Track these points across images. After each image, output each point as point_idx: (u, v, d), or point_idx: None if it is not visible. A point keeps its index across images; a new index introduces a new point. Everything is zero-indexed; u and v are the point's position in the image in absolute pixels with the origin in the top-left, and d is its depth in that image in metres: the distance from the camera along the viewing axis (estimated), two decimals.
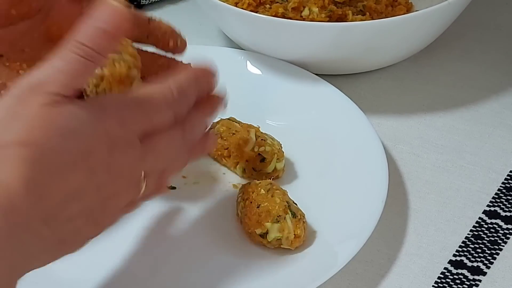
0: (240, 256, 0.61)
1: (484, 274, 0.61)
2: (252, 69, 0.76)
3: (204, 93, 0.55)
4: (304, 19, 0.75)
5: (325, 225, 0.63)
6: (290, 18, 0.75)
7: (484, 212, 0.66)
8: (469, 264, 0.62)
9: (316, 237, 0.62)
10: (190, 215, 0.65)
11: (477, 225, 0.65)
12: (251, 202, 0.61)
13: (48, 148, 0.44)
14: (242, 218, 0.62)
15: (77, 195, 0.46)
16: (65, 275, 0.60)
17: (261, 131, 0.68)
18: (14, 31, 0.54)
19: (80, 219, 0.47)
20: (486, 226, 0.65)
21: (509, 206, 0.66)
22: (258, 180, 0.63)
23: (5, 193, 0.42)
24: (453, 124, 0.74)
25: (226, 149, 0.67)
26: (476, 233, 0.64)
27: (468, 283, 0.60)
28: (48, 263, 0.47)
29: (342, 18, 0.77)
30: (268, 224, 0.60)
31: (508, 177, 0.69)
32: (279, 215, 0.60)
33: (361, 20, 0.76)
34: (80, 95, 0.48)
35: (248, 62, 0.77)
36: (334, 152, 0.68)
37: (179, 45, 0.59)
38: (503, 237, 0.64)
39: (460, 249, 0.63)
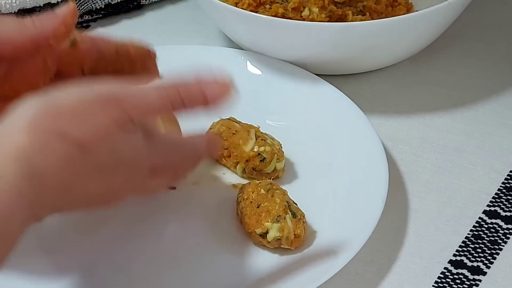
0: (240, 256, 0.61)
1: (484, 274, 0.61)
2: (252, 69, 0.76)
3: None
4: (304, 19, 0.75)
5: (325, 225, 0.62)
6: (290, 18, 0.75)
7: (484, 212, 0.66)
8: (469, 264, 0.62)
9: (316, 237, 0.62)
10: (190, 215, 0.65)
11: (477, 225, 0.65)
12: (251, 202, 0.61)
13: (96, 154, 0.47)
14: (242, 218, 0.62)
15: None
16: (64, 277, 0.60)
17: (261, 131, 0.68)
18: None
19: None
20: (486, 226, 0.65)
21: (509, 206, 0.66)
22: (258, 180, 0.63)
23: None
24: (453, 124, 0.74)
25: (226, 149, 0.67)
26: (476, 233, 0.64)
27: (468, 283, 0.60)
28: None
29: (342, 18, 0.77)
30: (268, 224, 0.60)
31: (508, 177, 0.69)
32: (279, 215, 0.60)
33: (361, 20, 0.76)
34: None
35: (248, 62, 0.77)
36: (334, 152, 0.68)
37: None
38: (503, 237, 0.64)
39: (460, 249, 0.63)
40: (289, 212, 0.60)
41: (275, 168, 0.66)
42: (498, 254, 0.62)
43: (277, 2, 0.78)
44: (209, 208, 0.65)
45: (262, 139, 0.67)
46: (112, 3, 0.87)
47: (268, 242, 0.60)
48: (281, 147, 0.67)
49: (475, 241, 0.63)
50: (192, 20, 0.88)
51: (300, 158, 0.69)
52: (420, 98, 0.77)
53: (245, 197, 0.62)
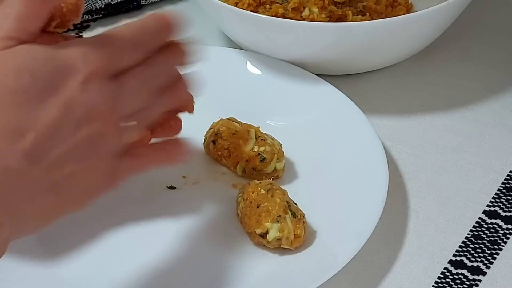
0: (240, 256, 0.61)
1: (484, 274, 0.61)
2: (252, 69, 0.76)
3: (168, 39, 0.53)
4: (304, 19, 0.75)
5: (325, 225, 0.63)
6: (290, 18, 0.75)
7: (484, 212, 0.66)
8: (469, 264, 0.62)
9: (316, 237, 0.62)
10: (190, 215, 0.65)
11: (477, 225, 0.65)
12: (251, 202, 0.61)
13: (10, 88, 0.43)
14: (242, 218, 0.62)
15: (55, 133, 0.45)
16: (66, 275, 0.60)
17: (261, 131, 0.68)
18: None
19: (70, 161, 0.46)
20: (486, 226, 0.65)
21: (509, 206, 0.66)
22: (258, 180, 0.63)
23: None
24: (453, 124, 0.74)
25: (226, 149, 0.67)
26: (476, 233, 0.64)
27: (468, 283, 0.60)
28: (47, 221, 0.47)
29: (342, 19, 0.77)
30: (268, 224, 0.60)
31: (508, 177, 0.69)
32: (279, 215, 0.60)
33: (361, 20, 0.76)
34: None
35: (248, 62, 0.77)
36: (334, 152, 0.68)
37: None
38: (503, 237, 0.64)
39: (460, 249, 0.63)
40: (289, 212, 0.60)
41: (275, 168, 0.66)
42: (498, 254, 0.62)
43: (277, 2, 0.78)
44: (209, 208, 0.65)
45: (262, 139, 0.67)
46: (112, 3, 0.87)
47: (268, 242, 0.60)
48: (281, 147, 0.67)
49: (475, 241, 0.63)
50: (192, 20, 0.88)
51: (300, 158, 0.69)
52: (420, 98, 0.77)
53: (245, 197, 0.62)
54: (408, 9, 0.82)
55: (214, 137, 0.68)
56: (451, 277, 0.61)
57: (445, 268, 0.61)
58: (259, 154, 0.66)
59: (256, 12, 0.77)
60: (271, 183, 0.63)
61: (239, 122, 0.69)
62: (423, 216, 0.65)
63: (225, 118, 0.69)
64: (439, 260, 0.62)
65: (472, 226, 0.65)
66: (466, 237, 0.64)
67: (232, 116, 0.69)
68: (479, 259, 0.62)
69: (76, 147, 0.46)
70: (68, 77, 0.46)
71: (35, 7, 0.46)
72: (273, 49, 0.75)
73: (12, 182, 0.43)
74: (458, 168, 0.70)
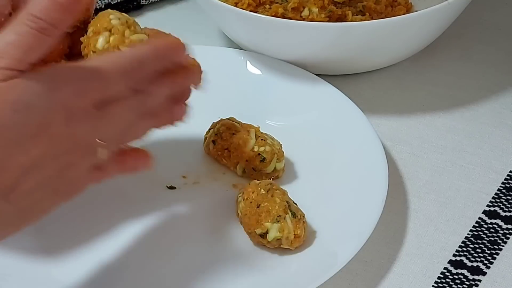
0: (240, 256, 0.61)
1: (484, 274, 0.61)
2: (252, 69, 0.76)
3: (170, 64, 0.54)
4: (304, 19, 0.75)
5: (325, 225, 0.63)
6: (290, 18, 0.75)
7: (484, 212, 0.66)
8: (469, 264, 0.62)
9: (316, 237, 0.62)
10: (190, 215, 0.65)
11: (477, 225, 0.65)
12: (251, 202, 0.61)
13: (4, 124, 0.43)
14: (242, 218, 0.62)
15: (37, 167, 0.45)
16: (66, 275, 0.60)
17: (261, 131, 0.68)
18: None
19: (39, 190, 0.46)
20: (486, 226, 0.65)
21: (509, 206, 0.66)
22: (258, 180, 0.63)
23: None
24: (453, 124, 0.74)
25: (226, 149, 0.67)
26: (476, 233, 0.64)
27: (468, 283, 0.60)
28: (8, 236, 0.47)
29: (342, 18, 0.77)
30: (268, 224, 0.60)
31: (508, 177, 0.69)
32: (279, 215, 0.60)
33: (361, 20, 0.76)
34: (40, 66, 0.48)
35: (248, 62, 0.77)
36: (334, 152, 0.68)
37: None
38: (503, 237, 0.64)
39: (460, 249, 0.63)
40: (289, 212, 0.60)
41: (275, 168, 0.66)
42: (498, 254, 0.62)
43: (277, 2, 0.78)
44: (209, 208, 0.65)
45: (262, 139, 0.67)
46: (112, 3, 0.87)
47: (268, 242, 0.60)
48: (281, 147, 0.67)
49: (475, 241, 0.63)
50: (192, 20, 0.88)
51: (300, 158, 0.69)
52: (420, 98, 0.77)
53: (245, 197, 0.62)
54: (408, 9, 0.82)
55: (214, 137, 0.68)
56: (451, 277, 0.61)
57: (445, 268, 0.61)
58: (259, 154, 0.66)
59: (256, 12, 0.77)
60: (271, 183, 0.63)
61: (239, 122, 0.69)
62: (423, 216, 0.65)
63: (225, 118, 0.69)
64: (439, 260, 0.62)
65: (472, 226, 0.65)
66: (466, 237, 0.64)
67: (232, 116, 0.69)
68: (479, 259, 0.62)
69: (49, 177, 0.47)
70: (57, 110, 0.46)
71: (43, 40, 0.46)
72: (273, 49, 0.75)
73: None
74: (458, 168, 0.70)
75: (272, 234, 0.60)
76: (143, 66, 0.51)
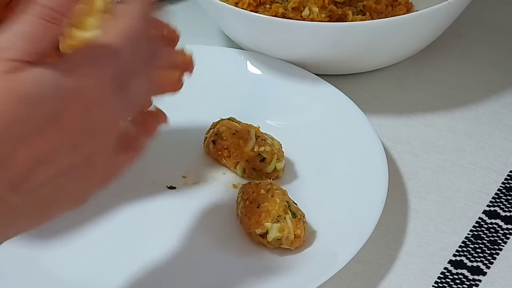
0: (240, 256, 0.61)
1: (484, 274, 0.61)
2: (252, 69, 0.76)
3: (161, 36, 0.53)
4: (304, 19, 0.75)
5: (325, 225, 0.63)
6: (290, 18, 0.75)
7: (484, 212, 0.66)
8: (469, 264, 0.62)
9: (316, 237, 0.62)
10: (190, 215, 0.65)
11: (477, 225, 0.65)
12: (251, 202, 0.61)
13: (10, 118, 0.42)
14: (242, 218, 0.62)
15: (49, 160, 0.44)
16: (65, 276, 0.60)
17: (261, 131, 0.68)
18: None
19: (59, 179, 0.45)
20: (486, 226, 0.65)
21: (509, 206, 0.66)
22: (258, 180, 0.63)
23: None
24: (453, 124, 0.74)
25: (226, 149, 0.67)
26: (476, 233, 0.64)
27: (468, 283, 0.60)
28: (34, 227, 0.46)
29: (342, 18, 0.77)
30: (268, 224, 0.60)
31: (508, 177, 0.69)
32: (279, 215, 0.60)
33: (361, 20, 0.76)
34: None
35: (248, 62, 0.77)
36: (334, 152, 0.68)
37: None
38: (503, 237, 0.64)
39: (460, 249, 0.63)
40: (289, 212, 0.60)
41: (275, 168, 0.66)
42: (498, 254, 0.62)
43: (277, 2, 0.78)
44: (209, 208, 0.65)
45: (262, 139, 0.67)
46: None
47: (268, 242, 0.60)
48: (281, 147, 0.67)
49: (475, 241, 0.63)
50: (192, 20, 0.88)
51: (300, 158, 0.69)
52: (420, 98, 0.77)
53: (245, 197, 0.62)
54: (408, 9, 0.82)
55: (214, 137, 0.68)
56: (451, 277, 0.61)
57: (445, 268, 0.61)
58: (259, 154, 0.66)
59: (256, 12, 0.77)
60: (271, 183, 0.63)
61: (239, 122, 0.69)
62: (423, 216, 0.65)
63: (225, 118, 0.69)
64: (439, 260, 0.62)
65: (472, 226, 0.65)
66: (466, 237, 0.64)
67: (232, 116, 0.69)
68: (479, 259, 0.62)
69: (72, 168, 0.46)
70: (72, 99, 0.45)
71: (51, 29, 0.45)
72: (273, 49, 0.75)
73: None
74: (458, 168, 0.70)
75: (272, 234, 0.60)
76: (143, 29, 0.50)
